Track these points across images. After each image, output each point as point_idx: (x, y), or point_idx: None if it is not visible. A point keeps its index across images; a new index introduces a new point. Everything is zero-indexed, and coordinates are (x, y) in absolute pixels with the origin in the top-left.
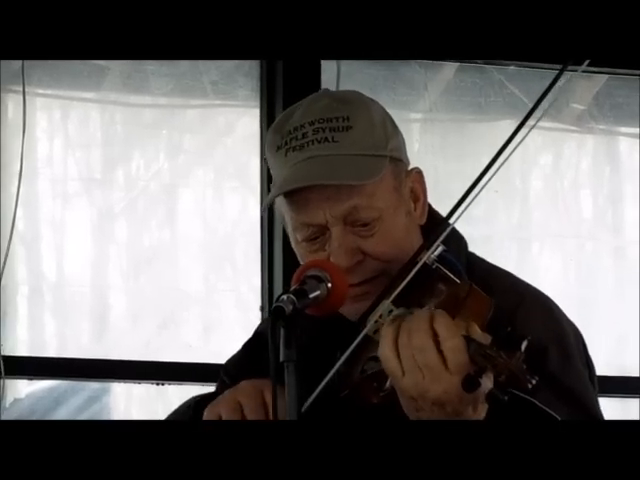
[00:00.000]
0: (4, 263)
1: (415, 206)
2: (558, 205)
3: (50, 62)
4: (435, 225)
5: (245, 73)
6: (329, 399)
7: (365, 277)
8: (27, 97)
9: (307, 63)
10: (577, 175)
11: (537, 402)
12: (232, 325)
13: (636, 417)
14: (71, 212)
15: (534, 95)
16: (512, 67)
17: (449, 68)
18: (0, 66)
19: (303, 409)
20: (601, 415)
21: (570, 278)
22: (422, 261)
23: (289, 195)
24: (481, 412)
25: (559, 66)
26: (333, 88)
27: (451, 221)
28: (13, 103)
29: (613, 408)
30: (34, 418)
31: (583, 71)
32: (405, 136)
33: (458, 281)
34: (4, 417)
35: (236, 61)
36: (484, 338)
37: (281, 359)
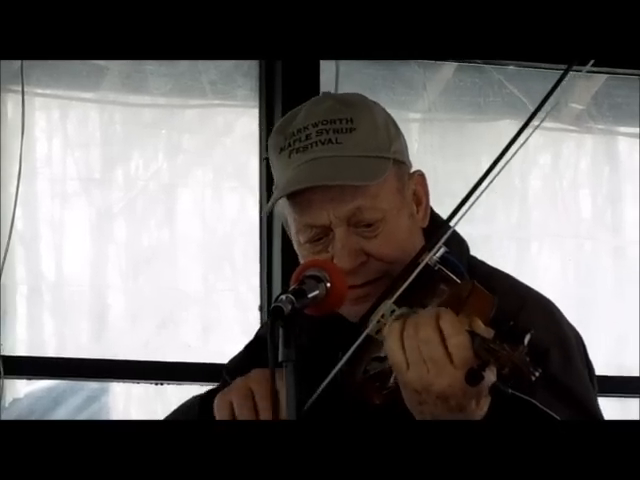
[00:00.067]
0: (3, 263)
1: (417, 209)
2: (557, 205)
3: (49, 62)
4: (437, 228)
5: (244, 73)
6: (332, 400)
7: (368, 278)
8: (26, 97)
9: (306, 63)
10: (576, 175)
11: (537, 403)
12: (231, 325)
13: (635, 417)
14: (70, 212)
15: (533, 95)
16: (511, 67)
17: (448, 68)
18: None
19: (305, 407)
20: (601, 417)
21: (569, 278)
22: (424, 262)
23: (292, 197)
24: (484, 406)
25: (557, 66)
26: (332, 88)
27: (453, 224)
28: (12, 103)
29: (612, 408)
30: (33, 418)
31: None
32: (404, 136)
33: (460, 282)
34: (3, 417)
35: (235, 61)
36: (487, 332)
37: (280, 359)
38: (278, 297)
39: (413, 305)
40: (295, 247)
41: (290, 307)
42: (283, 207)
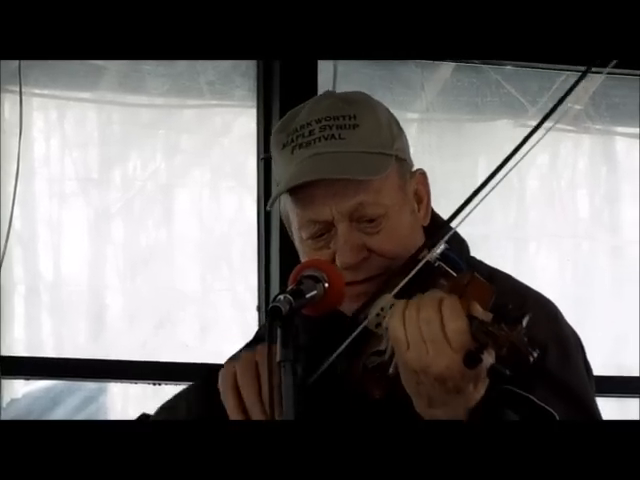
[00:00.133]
0: (1, 263)
1: (419, 207)
2: (555, 205)
3: (47, 62)
4: (437, 226)
5: (242, 73)
6: (332, 394)
7: (369, 274)
8: (24, 97)
9: (304, 63)
10: (574, 175)
11: (534, 399)
12: (229, 325)
13: (633, 417)
14: (68, 212)
15: (531, 95)
16: (509, 67)
17: (446, 68)
18: None
19: (307, 383)
20: (599, 414)
21: (567, 278)
22: (425, 259)
23: (295, 192)
24: (481, 389)
25: (555, 66)
26: (330, 88)
27: (455, 223)
28: (10, 103)
29: (610, 408)
30: (31, 418)
31: (578, 71)
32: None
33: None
34: (1, 417)
35: (233, 61)
36: (486, 316)
37: (278, 359)
38: (276, 297)
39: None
40: (296, 244)
41: (288, 307)
42: (284, 203)
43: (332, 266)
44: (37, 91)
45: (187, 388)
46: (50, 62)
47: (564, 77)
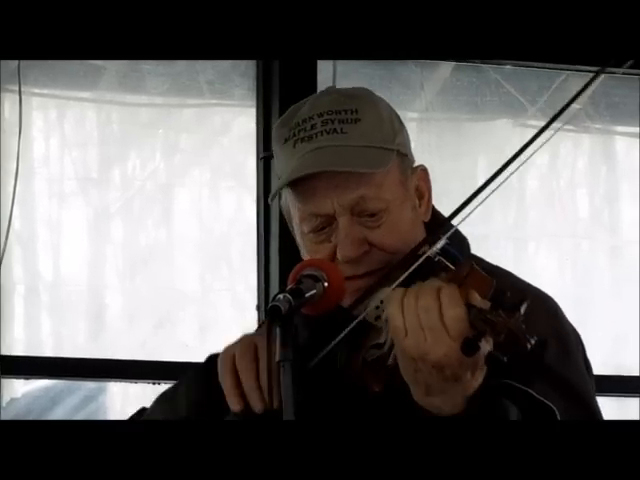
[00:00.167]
0: (1, 262)
1: (420, 203)
2: (554, 204)
3: (46, 62)
4: (438, 223)
5: (241, 73)
6: (332, 389)
7: (370, 268)
8: (23, 97)
9: (303, 63)
10: (573, 174)
11: (534, 393)
12: (228, 325)
13: (632, 416)
14: (67, 211)
15: (530, 94)
16: (508, 66)
17: (445, 67)
18: None
19: (310, 364)
20: (598, 409)
21: (566, 277)
22: (426, 255)
23: (296, 185)
24: (479, 378)
25: (555, 65)
26: None
27: (457, 220)
28: (9, 103)
29: (610, 407)
30: (30, 418)
31: (578, 71)
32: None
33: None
34: (1, 417)
35: (232, 61)
36: (484, 304)
37: (277, 359)
38: (275, 296)
39: None
40: (297, 239)
41: (287, 307)
42: (286, 198)
43: (332, 265)
44: (37, 91)
45: (187, 373)
46: (50, 62)
47: (564, 77)
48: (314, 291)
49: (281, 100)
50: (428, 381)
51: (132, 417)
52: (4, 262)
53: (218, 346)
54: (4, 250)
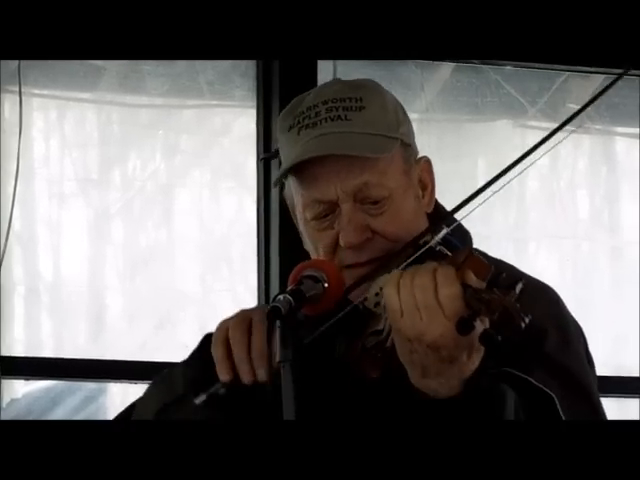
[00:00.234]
0: (1, 263)
1: (423, 193)
2: (554, 205)
3: (46, 62)
4: (440, 215)
5: (241, 73)
6: (332, 378)
7: (372, 256)
8: (23, 97)
9: (303, 63)
10: (573, 175)
11: (533, 380)
12: None
13: (633, 417)
14: (67, 212)
15: (530, 95)
16: (508, 67)
17: (445, 68)
18: None
19: (305, 342)
20: (599, 401)
21: (567, 278)
22: (428, 244)
23: (300, 172)
24: (475, 360)
25: (555, 66)
26: None
27: (460, 215)
28: (9, 103)
29: (610, 408)
30: (31, 418)
31: (579, 71)
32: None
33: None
34: (1, 417)
35: (233, 61)
36: (479, 284)
37: (278, 359)
38: (276, 297)
39: None
40: (300, 227)
41: (288, 307)
42: (289, 186)
43: (332, 266)
44: (37, 91)
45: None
46: (50, 62)
47: (564, 77)
48: (314, 292)
49: (281, 101)
50: (424, 362)
51: (121, 414)
52: (4, 262)
53: None
54: (4, 251)
